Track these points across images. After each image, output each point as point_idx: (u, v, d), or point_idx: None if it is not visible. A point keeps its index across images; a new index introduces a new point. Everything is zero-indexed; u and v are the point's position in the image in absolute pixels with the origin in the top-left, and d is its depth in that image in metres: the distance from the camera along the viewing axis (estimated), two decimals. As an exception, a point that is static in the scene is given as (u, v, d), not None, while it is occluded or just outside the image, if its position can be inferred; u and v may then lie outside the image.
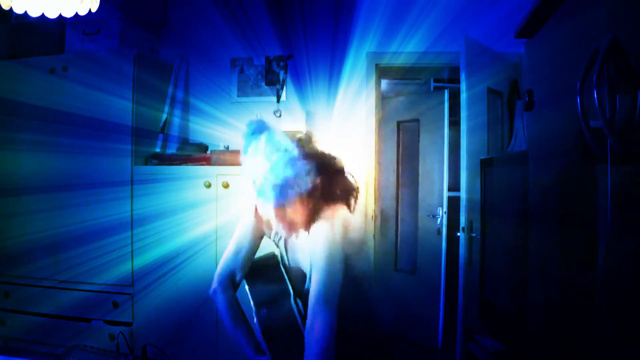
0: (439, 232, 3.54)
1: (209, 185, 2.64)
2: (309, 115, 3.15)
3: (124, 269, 2.71)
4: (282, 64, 3.17)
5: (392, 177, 3.99)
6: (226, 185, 2.62)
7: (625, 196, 0.88)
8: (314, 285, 1.28)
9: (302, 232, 1.41)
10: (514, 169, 2.11)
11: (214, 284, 1.51)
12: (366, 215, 3.13)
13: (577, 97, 0.95)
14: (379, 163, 3.64)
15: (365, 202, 3.12)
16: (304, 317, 1.34)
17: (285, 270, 1.53)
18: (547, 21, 1.34)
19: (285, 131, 1.43)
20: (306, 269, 1.43)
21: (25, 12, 1.56)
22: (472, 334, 2.48)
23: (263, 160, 1.31)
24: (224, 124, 3.17)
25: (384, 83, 4.25)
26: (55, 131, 2.81)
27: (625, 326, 0.88)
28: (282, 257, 1.57)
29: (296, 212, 1.35)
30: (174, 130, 3.16)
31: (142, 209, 2.70)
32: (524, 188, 1.55)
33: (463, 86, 2.70)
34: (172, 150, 3.08)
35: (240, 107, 3.21)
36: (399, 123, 3.96)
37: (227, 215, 2.60)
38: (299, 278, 1.47)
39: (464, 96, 2.69)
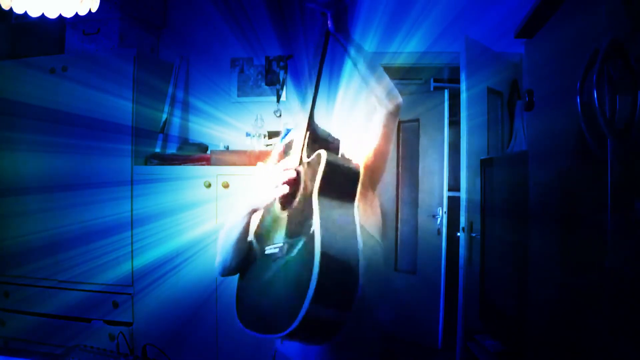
0: (439, 232, 3.54)
1: (209, 185, 2.64)
2: (309, 115, 3.15)
3: (124, 269, 2.70)
4: (282, 64, 3.17)
5: (392, 177, 3.99)
6: (226, 185, 2.62)
7: (625, 196, 0.88)
8: None
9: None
10: (514, 169, 2.11)
11: None
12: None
13: (577, 97, 0.95)
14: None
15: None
16: None
17: None
18: (547, 21, 1.34)
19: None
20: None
21: (25, 12, 1.56)
22: (472, 334, 2.48)
23: None
24: (224, 124, 3.17)
25: (384, 83, 4.25)
26: (55, 131, 2.81)
27: (626, 326, 0.88)
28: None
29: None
30: (174, 130, 3.16)
31: (142, 209, 2.70)
32: (524, 188, 1.55)
33: (463, 86, 2.70)
34: (172, 150, 3.08)
35: (240, 107, 3.22)
36: (399, 123, 3.96)
37: (227, 215, 2.60)
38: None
39: (464, 96, 2.69)
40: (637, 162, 0.85)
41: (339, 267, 0.92)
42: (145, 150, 2.86)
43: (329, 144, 1.17)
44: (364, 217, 1.31)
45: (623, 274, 0.89)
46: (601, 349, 0.94)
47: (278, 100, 3.16)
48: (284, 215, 1.10)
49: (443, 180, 3.56)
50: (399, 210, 3.97)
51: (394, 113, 1.28)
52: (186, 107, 3.27)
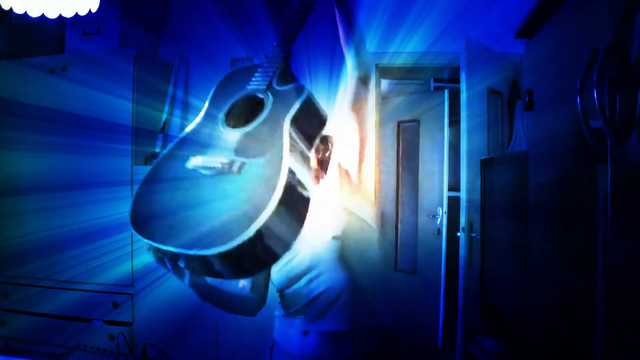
0: (439, 232, 3.54)
1: (209, 185, 2.64)
2: (309, 115, 3.15)
3: (124, 269, 2.70)
4: (282, 64, 3.17)
5: (392, 177, 3.99)
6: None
7: (625, 196, 0.88)
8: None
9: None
10: (514, 169, 2.11)
11: None
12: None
13: (577, 97, 0.95)
14: (379, 163, 3.64)
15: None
16: None
17: None
18: (547, 21, 1.34)
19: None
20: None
21: (25, 12, 1.56)
22: (472, 334, 2.48)
23: None
24: (224, 124, 3.17)
25: (384, 83, 4.26)
26: (55, 131, 2.81)
27: (626, 327, 0.88)
28: None
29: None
30: (174, 130, 3.16)
31: (142, 208, 2.70)
32: (524, 188, 1.55)
33: (463, 86, 2.70)
34: (172, 150, 3.07)
35: (240, 107, 3.21)
36: (399, 123, 3.97)
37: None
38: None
39: (464, 96, 2.69)
40: (637, 162, 0.85)
41: (296, 199, 0.88)
42: (145, 150, 2.86)
43: (295, 82, 1.13)
44: (351, 200, 1.29)
45: (623, 274, 0.89)
46: (601, 349, 0.94)
47: (278, 100, 3.15)
48: (235, 134, 1.02)
49: (443, 180, 3.56)
50: (399, 210, 3.97)
51: (364, 81, 1.29)
52: (186, 107, 3.27)
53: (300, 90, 1.03)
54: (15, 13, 2.28)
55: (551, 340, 1.29)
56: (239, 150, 0.96)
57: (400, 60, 3.14)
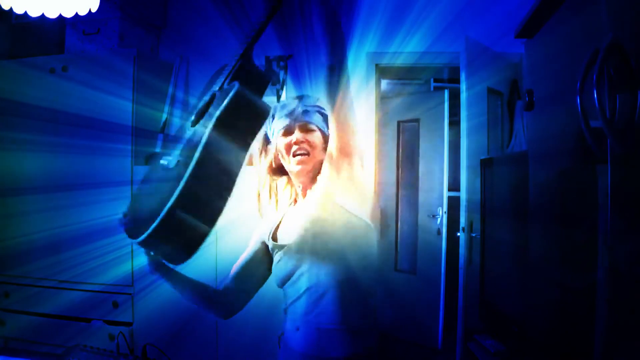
0: (439, 232, 3.54)
1: (209, 185, 2.64)
2: (309, 115, 3.15)
3: (124, 269, 2.70)
4: (282, 64, 3.17)
5: (392, 177, 3.99)
6: (226, 185, 2.62)
7: (625, 196, 0.88)
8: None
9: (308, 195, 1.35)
10: (514, 169, 2.11)
11: None
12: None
13: (577, 97, 0.95)
14: (379, 163, 3.64)
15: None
16: None
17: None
18: (547, 21, 1.34)
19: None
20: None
21: (25, 12, 1.56)
22: (472, 334, 2.48)
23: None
24: (224, 124, 3.16)
25: (384, 83, 4.26)
26: (55, 131, 2.81)
27: (626, 327, 0.88)
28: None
29: (314, 146, 1.32)
30: (174, 130, 3.16)
31: (142, 209, 2.70)
32: (524, 188, 1.55)
33: (463, 86, 2.70)
34: (172, 150, 3.07)
35: (240, 107, 3.21)
36: (399, 123, 3.97)
37: (226, 216, 2.60)
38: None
39: (464, 96, 2.69)
40: (637, 162, 0.85)
41: (208, 187, 0.97)
42: (145, 150, 2.86)
43: (260, 79, 1.12)
44: (343, 194, 1.25)
45: (623, 274, 0.89)
46: (601, 349, 0.94)
47: (278, 100, 3.15)
48: (190, 132, 1.08)
49: (443, 180, 3.56)
50: (399, 210, 3.97)
51: (334, 70, 1.21)
52: (186, 107, 3.27)
53: (231, 88, 1.02)
54: (15, 13, 2.28)
55: (551, 340, 1.29)
56: (183, 148, 1.05)
57: (400, 60, 3.14)
